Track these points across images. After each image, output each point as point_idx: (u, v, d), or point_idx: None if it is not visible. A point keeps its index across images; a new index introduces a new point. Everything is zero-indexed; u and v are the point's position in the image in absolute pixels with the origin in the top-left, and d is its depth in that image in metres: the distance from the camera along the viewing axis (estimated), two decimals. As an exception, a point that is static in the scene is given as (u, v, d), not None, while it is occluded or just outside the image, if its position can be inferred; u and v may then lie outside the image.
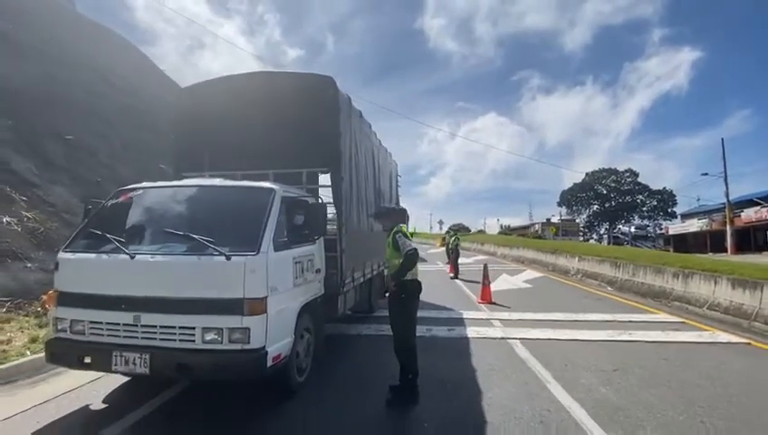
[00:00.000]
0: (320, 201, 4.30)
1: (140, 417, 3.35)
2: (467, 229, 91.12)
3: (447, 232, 23.48)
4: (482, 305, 8.41)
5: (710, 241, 36.44)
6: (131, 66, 22.38)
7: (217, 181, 3.99)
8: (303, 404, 3.62)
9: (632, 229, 42.88)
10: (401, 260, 3.57)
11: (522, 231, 74.61)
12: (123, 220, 3.57)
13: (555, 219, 77.82)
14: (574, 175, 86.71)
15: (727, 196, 33.98)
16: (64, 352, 3.24)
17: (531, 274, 14.70)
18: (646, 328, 6.56)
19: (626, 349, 5.43)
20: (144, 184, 3.94)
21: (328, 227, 4.37)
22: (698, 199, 43.64)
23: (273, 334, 3.12)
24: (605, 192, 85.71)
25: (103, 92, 16.22)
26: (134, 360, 2.99)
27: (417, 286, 3.73)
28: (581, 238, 60.91)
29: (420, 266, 3.97)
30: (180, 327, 3.00)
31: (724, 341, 5.85)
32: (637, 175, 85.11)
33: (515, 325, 6.65)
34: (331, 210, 4.61)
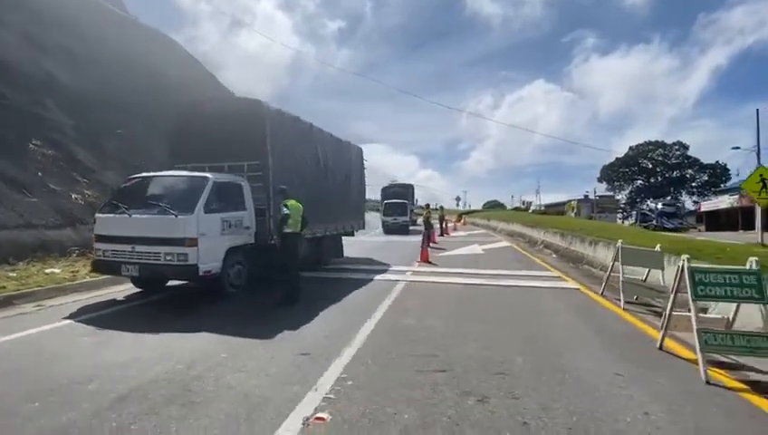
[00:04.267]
0: (240, 184, 6.73)
1: (144, 302, 6.18)
2: (502, 206, 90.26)
3: (438, 208, 25.35)
4: (416, 263, 10.64)
5: (741, 218, 35.09)
6: (174, 62, 25.67)
7: (178, 172, 6.64)
8: (232, 300, 6.26)
9: (659, 206, 41.59)
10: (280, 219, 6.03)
11: (556, 208, 73.13)
12: (128, 195, 6.27)
13: (592, 196, 75.10)
14: (625, 149, 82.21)
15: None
16: (100, 266, 6.07)
17: (499, 244, 16.51)
18: (522, 279, 8.51)
19: (478, 288, 7.52)
20: (142, 174, 6.63)
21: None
22: (738, 174, 41.30)
23: (203, 258, 5.70)
24: (650, 166, 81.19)
25: (147, 89, 19.51)
26: (131, 269, 5.74)
27: (294, 235, 6.17)
28: (620, 216, 59.24)
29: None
30: (154, 252, 5.66)
31: (563, 287, 7.74)
32: (687, 148, 79.63)
33: (420, 275, 8.89)
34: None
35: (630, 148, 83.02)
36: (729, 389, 3.35)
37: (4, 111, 11.75)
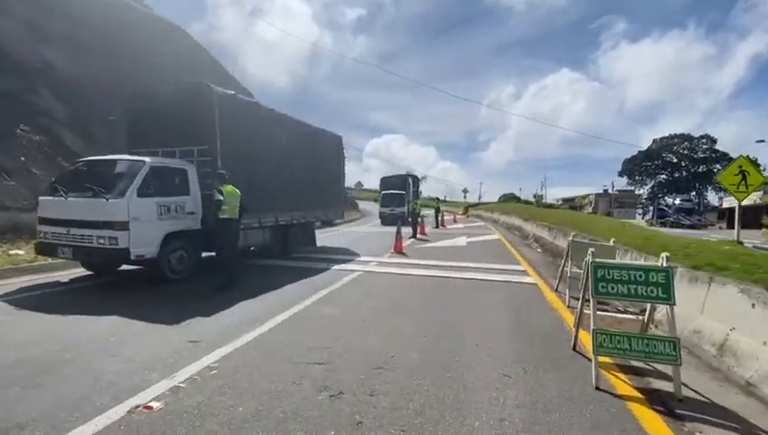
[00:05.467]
0: (184, 168, 6.67)
1: (84, 285, 6.24)
2: (517, 198, 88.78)
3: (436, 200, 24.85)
4: (387, 255, 10.44)
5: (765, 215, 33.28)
6: (182, 52, 25.72)
7: (119, 156, 6.63)
8: (172, 285, 6.24)
9: (676, 201, 39.78)
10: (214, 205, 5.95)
11: (573, 203, 71.21)
12: (70, 178, 6.31)
13: (611, 190, 72.88)
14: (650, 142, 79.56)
15: (786, 165, 30.63)
16: (42, 248, 6.15)
17: (488, 237, 16.10)
18: (485, 272, 8.19)
19: (432, 280, 7.27)
20: (89, 157, 6.65)
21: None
22: (765, 169, 39.06)
23: (135, 242, 5.69)
24: (675, 160, 78.18)
25: (149, 78, 19.65)
26: (66, 251, 5.78)
27: (231, 222, 6.08)
28: (639, 212, 57.12)
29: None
30: (87, 235, 5.69)
31: (522, 281, 7.41)
32: (714, 141, 76.39)
33: (383, 266, 8.70)
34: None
35: (654, 141, 79.97)
36: (617, 397, 3.07)
37: (-4, 96, 12.07)
